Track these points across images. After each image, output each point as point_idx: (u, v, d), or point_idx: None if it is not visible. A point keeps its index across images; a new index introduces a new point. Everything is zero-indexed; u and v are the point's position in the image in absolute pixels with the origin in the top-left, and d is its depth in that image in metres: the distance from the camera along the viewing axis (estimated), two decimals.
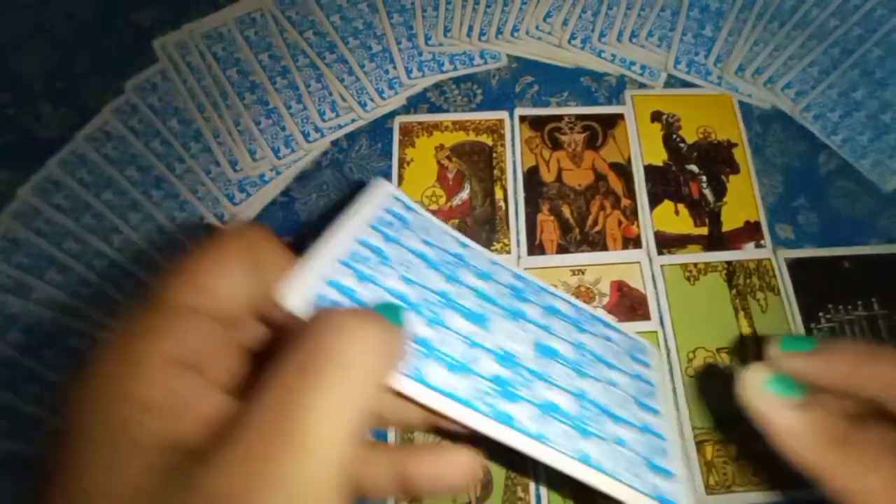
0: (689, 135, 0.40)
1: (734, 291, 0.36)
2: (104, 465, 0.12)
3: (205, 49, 0.41)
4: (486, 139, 0.40)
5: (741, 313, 0.35)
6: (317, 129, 0.40)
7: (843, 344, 0.19)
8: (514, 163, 0.39)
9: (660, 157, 0.40)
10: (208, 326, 0.15)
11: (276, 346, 0.14)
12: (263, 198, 0.39)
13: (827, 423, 0.18)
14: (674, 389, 0.34)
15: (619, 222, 0.38)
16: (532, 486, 0.32)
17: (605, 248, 0.37)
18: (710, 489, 0.32)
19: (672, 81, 0.42)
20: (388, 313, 0.15)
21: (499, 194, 0.38)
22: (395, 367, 0.16)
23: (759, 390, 0.18)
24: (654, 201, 0.38)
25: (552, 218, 0.38)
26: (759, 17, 0.42)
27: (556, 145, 0.40)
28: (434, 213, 0.38)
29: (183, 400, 0.13)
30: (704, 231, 0.37)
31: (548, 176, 0.39)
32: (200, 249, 0.16)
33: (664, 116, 0.41)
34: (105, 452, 0.12)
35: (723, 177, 0.39)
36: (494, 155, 0.39)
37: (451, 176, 0.39)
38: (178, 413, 0.13)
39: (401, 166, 0.39)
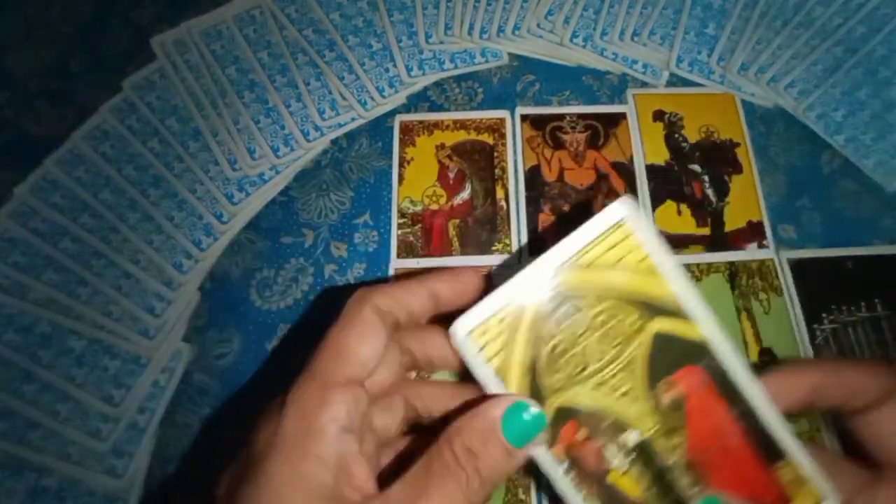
0: (692, 134, 0.40)
1: (736, 292, 0.35)
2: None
3: (203, 47, 0.41)
4: (488, 138, 0.39)
5: (743, 314, 0.35)
6: (316, 128, 0.40)
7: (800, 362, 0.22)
8: (515, 162, 0.39)
9: (662, 156, 0.39)
10: (360, 397, 0.18)
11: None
12: (263, 197, 0.38)
13: None
14: None
15: None
16: (533, 488, 0.31)
17: None
18: None
19: (674, 80, 0.42)
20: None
21: (500, 194, 0.38)
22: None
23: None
24: (657, 201, 0.38)
25: (554, 218, 0.37)
26: (762, 15, 0.42)
27: (558, 144, 0.39)
28: (435, 212, 0.37)
29: (346, 461, 0.17)
30: (707, 231, 0.37)
31: (549, 175, 0.39)
32: (342, 325, 0.19)
33: (666, 115, 0.40)
34: (286, 493, 0.16)
35: (725, 176, 0.39)
36: (495, 154, 0.39)
37: (451, 175, 0.38)
38: (342, 471, 0.17)
39: (401, 165, 0.39)
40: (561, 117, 0.40)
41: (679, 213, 0.38)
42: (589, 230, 0.19)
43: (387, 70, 0.41)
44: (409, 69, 0.41)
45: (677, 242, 0.37)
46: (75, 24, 0.43)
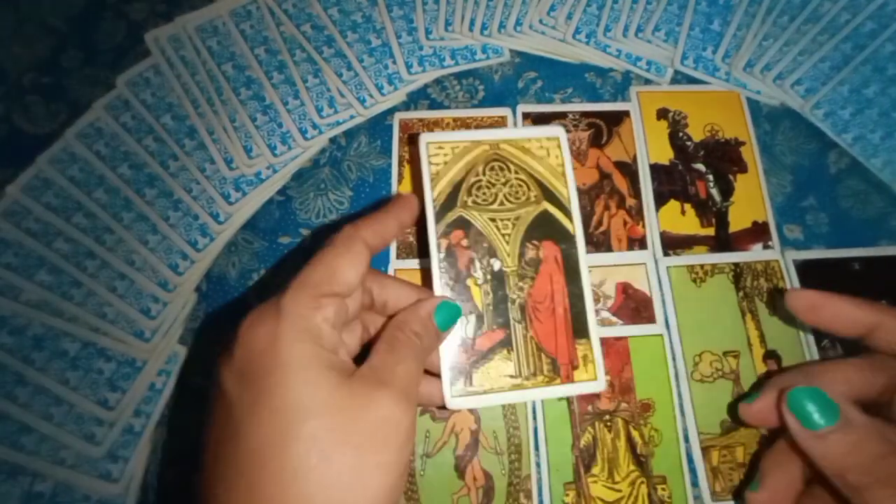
0: (696, 133, 0.39)
1: (741, 294, 0.35)
2: (301, 374, 0.20)
3: (199, 43, 0.40)
4: None
5: (748, 316, 0.34)
6: (314, 126, 0.39)
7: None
8: None
9: (666, 155, 0.39)
10: (344, 308, 0.23)
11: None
12: (260, 196, 0.38)
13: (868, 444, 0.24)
14: (679, 394, 0.33)
15: (625, 222, 0.37)
16: (535, 492, 0.31)
17: (609, 248, 0.36)
18: (715, 495, 0.31)
19: (679, 78, 0.41)
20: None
21: None
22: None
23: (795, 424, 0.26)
24: (660, 201, 0.37)
25: None
26: (768, 11, 0.41)
27: None
28: None
29: (338, 348, 0.22)
30: (711, 232, 0.37)
31: None
32: (336, 251, 0.23)
33: (670, 114, 0.40)
34: (302, 363, 0.20)
35: (730, 176, 0.38)
36: None
37: None
38: (337, 352, 0.22)
39: (401, 164, 0.38)
40: (563, 115, 0.39)
41: (683, 212, 0.37)
42: (535, 130, 0.30)
43: (386, 67, 0.40)
44: (408, 66, 0.40)
45: (681, 243, 0.36)
46: (67, 18, 0.42)
